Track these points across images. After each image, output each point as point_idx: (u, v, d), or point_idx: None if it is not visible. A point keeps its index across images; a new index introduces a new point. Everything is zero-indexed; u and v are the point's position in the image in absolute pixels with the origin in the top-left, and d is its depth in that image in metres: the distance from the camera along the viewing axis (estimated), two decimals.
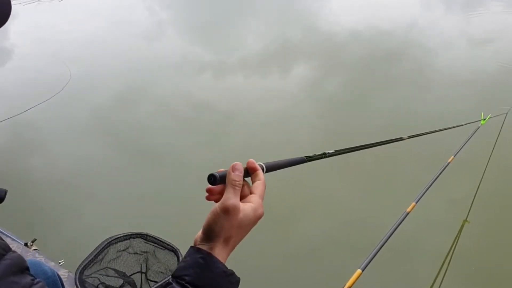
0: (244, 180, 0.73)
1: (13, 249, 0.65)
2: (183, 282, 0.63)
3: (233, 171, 0.70)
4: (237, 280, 0.68)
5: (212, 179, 0.69)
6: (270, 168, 0.78)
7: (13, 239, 2.30)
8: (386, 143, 1.62)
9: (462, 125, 2.94)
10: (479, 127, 3.13)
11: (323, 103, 4.83)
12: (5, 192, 0.91)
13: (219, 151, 3.99)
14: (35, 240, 2.34)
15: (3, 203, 0.91)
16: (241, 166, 0.70)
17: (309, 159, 0.89)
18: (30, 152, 4.35)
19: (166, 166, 3.92)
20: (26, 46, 7.09)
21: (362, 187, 3.47)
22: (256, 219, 0.70)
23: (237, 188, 0.68)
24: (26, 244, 2.28)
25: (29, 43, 7.17)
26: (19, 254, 0.66)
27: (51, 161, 4.20)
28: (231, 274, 0.66)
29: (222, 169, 0.71)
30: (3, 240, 0.66)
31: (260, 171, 0.74)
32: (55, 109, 5.04)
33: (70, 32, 7.33)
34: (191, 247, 0.68)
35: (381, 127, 4.08)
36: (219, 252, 0.66)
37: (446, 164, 2.40)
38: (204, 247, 0.66)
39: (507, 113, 3.68)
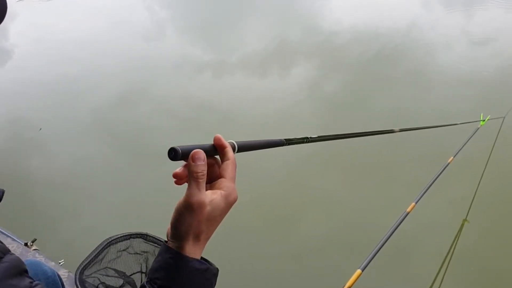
0: (214, 158, 0.67)
1: (13, 249, 0.66)
2: (156, 286, 0.60)
3: (193, 161, 0.61)
4: (214, 273, 0.64)
5: (173, 153, 0.59)
6: (244, 147, 0.70)
7: (13, 239, 2.30)
8: (376, 134, 1.60)
9: (457, 124, 2.94)
10: (478, 128, 3.13)
11: (323, 103, 4.82)
12: (3, 192, 0.90)
13: None
14: (35, 240, 2.34)
15: (2, 203, 0.91)
16: (202, 153, 0.62)
17: (288, 142, 0.81)
18: (30, 152, 4.35)
19: (166, 166, 3.89)
20: (26, 46, 7.08)
21: (362, 187, 3.47)
22: (228, 206, 0.64)
23: (201, 180, 0.61)
24: (26, 244, 2.28)
25: (28, 42, 7.16)
26: (17, 257, 0.66)
27: (51, 161, 4.21)
28: (206, 269, 0.62)
29: (190, 144, 0.62)
30: (2, 243, 0.66)
31: (228, 149, 0.66)
32: (54, 109, 5.04)
33: (70, 32, 7.32)
34: (163, 243, 0.64)
35: (381, 127, 4.06)
36: (190, 250, 0.62)
37: (446, 164, 2.40)
38: (173, 245, 0.62)
39: (504, 117, 3.67)
